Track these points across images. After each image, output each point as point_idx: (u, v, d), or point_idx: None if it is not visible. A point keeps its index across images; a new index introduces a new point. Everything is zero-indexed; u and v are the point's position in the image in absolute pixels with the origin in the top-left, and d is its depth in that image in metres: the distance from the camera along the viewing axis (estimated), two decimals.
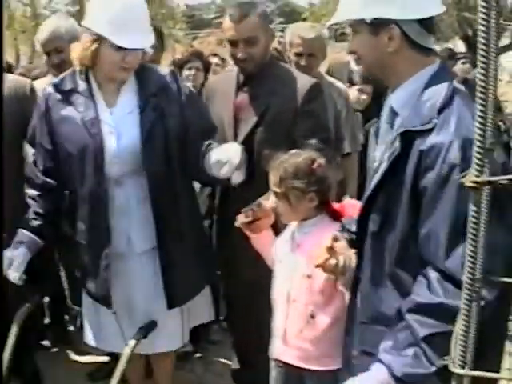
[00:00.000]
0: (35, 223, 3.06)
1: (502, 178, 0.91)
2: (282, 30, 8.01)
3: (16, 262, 2.99)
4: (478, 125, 0.96)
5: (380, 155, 2.07)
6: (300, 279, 2.56)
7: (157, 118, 2.97)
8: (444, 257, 1.79)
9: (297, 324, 2.57)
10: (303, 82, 3.29)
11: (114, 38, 2.84)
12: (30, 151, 3.12)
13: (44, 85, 3.28)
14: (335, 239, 2.25)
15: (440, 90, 1.93)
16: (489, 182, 0.93)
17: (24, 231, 3.03)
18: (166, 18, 23.21)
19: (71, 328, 4.41)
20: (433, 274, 1.82)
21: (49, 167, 3.04)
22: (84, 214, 3.00)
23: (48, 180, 3.05)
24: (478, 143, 0.96)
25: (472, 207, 0.97)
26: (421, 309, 1.83)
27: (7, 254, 2.98)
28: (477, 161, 0.96)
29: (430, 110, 1.90)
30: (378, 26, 2.00)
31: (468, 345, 1.03)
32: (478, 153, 0.96)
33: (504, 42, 18.82)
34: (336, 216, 2.60)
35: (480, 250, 1.05)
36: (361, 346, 2.10)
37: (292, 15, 34.51)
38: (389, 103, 2.11)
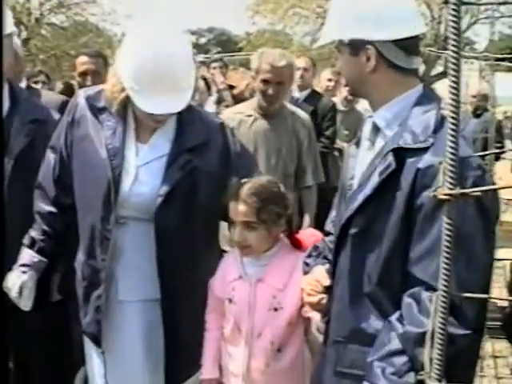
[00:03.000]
0: (42, 244, 2.85)
1: (475, 190, 0.91)
2: (219, 60, 8.02)
3: (26, 291, 2.80)
4: (449, 137, 0.96)
5: (362, 173, 2.09)
6: (264, 313, 2.50)
7: (185, 177, 2.64)
8: None
9: (263, 359, 2.50)
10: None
11: (139, 100, 2.54)
12: (51, 157, 2.86)
13: None
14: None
15: (430, 112, 1.97)
16: (462, 195, 0.93)
17: (30, 251, 2.84)
18: (103, 46, 23.22)
19: None
20: (425, 295, 1.83)
21: (64, 181, 2.80)
22: (84, 244, 2.76)
23: (62, 196, 2.82)
24: (450, 155, 0.96)
25: (446, 220, 0.96)
26: (409, 337, 1.84)
27: (13, 279, 2.78)
28: (449, 173, 0.96)
29: (424, 130, 1.95)
30: (355, 46, 2.08)
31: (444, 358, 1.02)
32: (451, 165, 0.96)
33: (438, 69, 19.25)
34: (297, 244, 2.57)
35: (443, 268, 1.05)
36: (335, 366, 2.07)
37: (228, 44, 34.79)
38: (370, 121, 2.15)
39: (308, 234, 2.63)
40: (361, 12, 2.06)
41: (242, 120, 4.26)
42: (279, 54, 4.24)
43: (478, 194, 0.93)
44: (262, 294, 2.52)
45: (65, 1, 23.65)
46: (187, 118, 2.72)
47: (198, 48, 44.10)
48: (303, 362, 2.47)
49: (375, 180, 1.97)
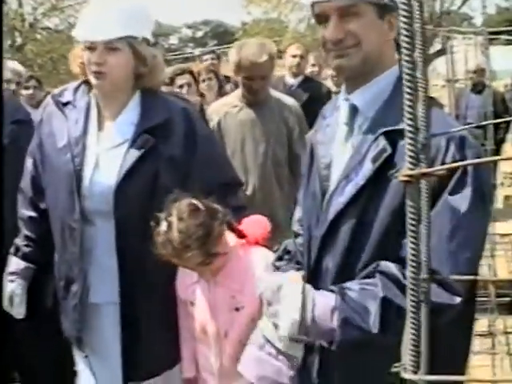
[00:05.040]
0: (26, 249, 2.85)
1: (438, 169, 0.86)
2: (211, 52, 7.97)
3: (17, 299, 2.80)
4: (407, 115, 0.91)
5: (346, 161, 1.96)
6: (227, 314, 2.50)
7: (144, 158, 2.61)
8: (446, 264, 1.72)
9: (233, 356, 2.48)
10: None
11: (75, 33, 2.61)
12: (28, 162, 2.87)
13: None
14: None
15: None
16: (423, 175, 0.87)
17: (16, 259, 2.84)
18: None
19: None
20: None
21: (40, 184, 2.80)
22: (57, 241, 2.75)
23: (39, 199, 2.82)
24: (410, 135, 0.91)
25: (409, 203, 0.91)
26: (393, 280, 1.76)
27: (3, 288, 2.79)
28: (410, 153, 0.91)
29: None
30: (383, 9, 1.89)
31: (420, 349, 0.96)
32: (411, 145, 0.91)
33: (436, 47, 19.15)
34: (242, 235, 2.53)
35: (424, 248, 0.99)
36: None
37: (225, 36, 34.76)
38: (345, 104, 2.00)
39: (252, 222, 2.58)
40: None
41: (227, 111, 4.25)
42: (259, 48, 4.09)
43: (441, 172, 0.87)
44: (221, 296, 2.52)
45: (57, 4, 23.61)
46: (150, 101, 2.70)
47: (195, 42, 44.14)
48: None
49: (368, 167, 1.85)
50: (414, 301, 0.94)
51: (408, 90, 0.89)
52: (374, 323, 1.76)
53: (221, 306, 2.51)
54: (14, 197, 2.98)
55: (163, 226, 2.42)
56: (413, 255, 0.92)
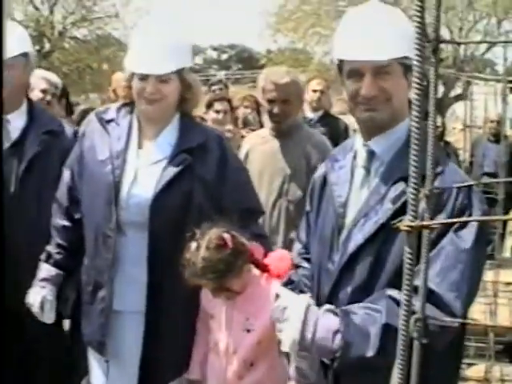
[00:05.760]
0: (58, 257, 2.95)
1: (435, 223, 0.94)
2: (219, 82, 8.07)
3: (48, 305, 2.89)
4: (412, 169, 0.99)
5: (364, 201, 2.09)
6: (239, 333, 2.63)
7: (181, 175, 2.74)
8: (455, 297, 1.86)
9: (237, 372, 2.64)
10: None
11: (129, 64, 2.76)
12: (66, 174, 3.00)
13: None
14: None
15: None
16: (422, 227, 0.95)
17: (47, 266, 2.94)
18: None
19: None
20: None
21: (76, 195, 2.93)
22: (89, 248, 2.85)
23: (74, 209, 2.93)
24: (413, 186, 0.99)
25: (407, 250, 0.99)
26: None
27: (34, 295, 2.89)
28: (412, 205, 0.98)
29: None
30: (407, 69, 2.01)
31: None
32: (413, 197, 0.98)
33: (457, 91, 19.26)
34: (265, 269, 2.64)
35: (422, 290, 1.06)
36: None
37: (250, 62, 34.95)
38: (363, 149, 2.14)
39: (276, 257, 2.69)
40: (411, 31, 2.02)
41: (256, 142, 4.19)
42: (283, 72, 4.11)
43: (437, 226, 0.94)
44: (238, 315, 2.64)
45: (88, 15, 23.92)
46: (189, 125, 2.87)
47: (220, 64, 44.39)
48: (277, 373, 2.57)
49: (388, 207, 1.99)
50: (404, 340, 1.00)
51: (415, 147, 0.96)
52: (372, 347, 1.87)
53: (235, 325, 2.63)
54: (41, 204, 3.15)
55: (193, 246, 2.56)
56: (406, 301, 0.99)
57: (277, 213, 3.97)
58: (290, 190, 3.97)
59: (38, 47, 22.81)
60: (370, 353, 1.86)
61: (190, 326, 2.82)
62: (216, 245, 2.53)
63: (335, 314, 1.94)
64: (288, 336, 1.93)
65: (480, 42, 14.73)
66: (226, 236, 2.55)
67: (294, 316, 1.93)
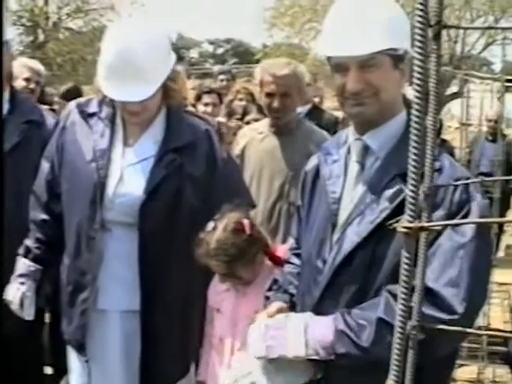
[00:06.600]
0: (37, 251, 2.86)
1: (434, 225, 0.88)
2: (227, 72, 7.94)
3: (27, 301, 2.82)
4: (411, 169, 0.93)
5: (359, 197, 2.04)
6: (245, 328, 2.53)
7: (170, 175, 2.67)
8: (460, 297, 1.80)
9: None
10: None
11: (106, 90, 2.61)
12: (45, 166, 2.89)
13: None
14: (280, 310, 2.15)
15: None
16: (421, 228, 0.89)
17: (25, 261, 2.85)
18: None
19: None
20: None
21: (55, 189, 2.83)
22: (70, 247, 2.76)
23: (53, 203, 2.83)
24: (412, 187, 0.93)
25: (404, 253, 0.93)
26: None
27: (13, 291, 2.81)
28: (410, 206, 0.93)
29: None
30: (397, 59, 1.97)
31: None
32: (412, 198, 0.93)
33: (453, 89, 19.24)
34: (277, 261, 2.56)
35: (417, 296, 1.01)
36: None
37: (246, 56, 34.93)
38: (357, 143, 2.09)
39: (286, 250, 2.64)
40: (399, 22, 1.99)
41: (253, 137, 3.92)
42: (282, 63, 3.83)
43: (438, 228, 0.89)
44: (246, 309, 2.55)
45: (83, 6, 23.83)
46: (175, 122, 2.76)
47: (216, 58, 44.35)
48: None
49: (385, 205, 1.93)
50: (399, 343, 0.96)
51: (414, 144, 0.91)
52: (367, 339, 1.83)
53: (242, 319, 2.54)
54: (20, 195, 3.03)
55: (210, 225, 2.52)
56: (403, 300, 0.94)
57: (276, 214, 3.79)
58: (291, 191, 3.71)
59: (32, 38, 22.75)
60: (365, 344, 1.83)
61: (185, 325, 2.77)
62: (233, 228, 2.49)
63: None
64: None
65: (485, 28, 14.67)
66: (246, 222, 2.51)
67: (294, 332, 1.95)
